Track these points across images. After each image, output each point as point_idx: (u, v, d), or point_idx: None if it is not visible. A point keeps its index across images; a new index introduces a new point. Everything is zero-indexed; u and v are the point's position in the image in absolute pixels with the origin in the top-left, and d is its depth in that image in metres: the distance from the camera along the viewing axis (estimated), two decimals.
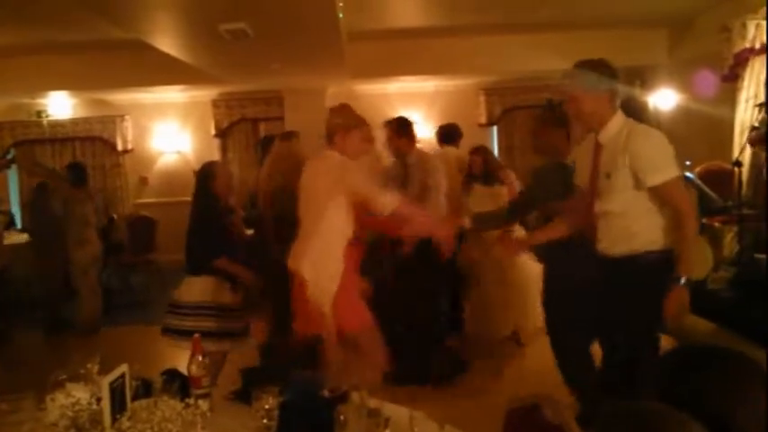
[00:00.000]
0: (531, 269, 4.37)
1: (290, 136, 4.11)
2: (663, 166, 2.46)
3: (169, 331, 3.53)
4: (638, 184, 2.48)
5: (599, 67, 2.56)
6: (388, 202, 2.85)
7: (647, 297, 2.49)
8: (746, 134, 5.28)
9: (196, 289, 3.53)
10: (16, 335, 5.69)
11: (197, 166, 4.02)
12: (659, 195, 2.49)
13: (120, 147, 8.91)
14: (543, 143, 3.45)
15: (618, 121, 2.57)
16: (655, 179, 2.45)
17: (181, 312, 3.52)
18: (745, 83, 5.72)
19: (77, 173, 5.82)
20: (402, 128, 4.32)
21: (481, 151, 4.91)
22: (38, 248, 6.12)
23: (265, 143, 4.69)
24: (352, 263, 3.02)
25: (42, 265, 6.01)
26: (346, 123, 3.03)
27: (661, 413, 1.04)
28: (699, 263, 4.95)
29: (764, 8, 5.22)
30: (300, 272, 2.94)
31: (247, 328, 3.69)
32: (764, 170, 5.05)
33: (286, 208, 3.32)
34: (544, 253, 3.55)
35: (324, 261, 2.93)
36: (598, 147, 2.60)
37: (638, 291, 2.53)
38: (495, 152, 8.16)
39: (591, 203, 2.64)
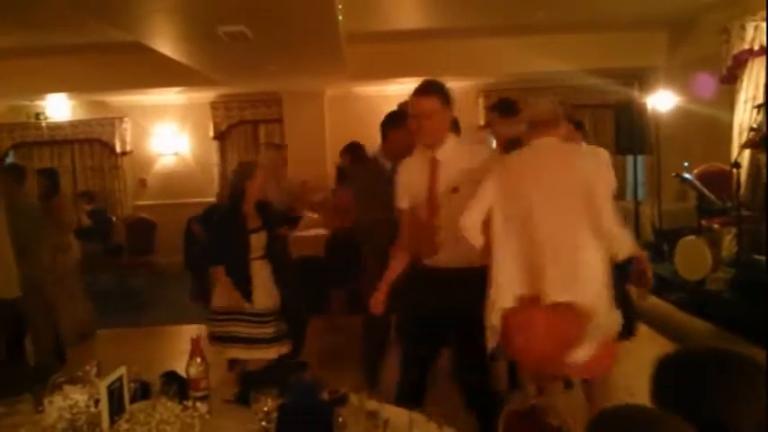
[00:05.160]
0: None
1: None
2: None
3: None
4: None
5: (446, 89, 2.67)
6: None
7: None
8: (745, 136, 5.29)
9: None
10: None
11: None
12: None
13: (118, 149, 8.88)
14: None
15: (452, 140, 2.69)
16: None
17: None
18: (744, 84, 5.73)
19: (53, 179, 5.49)
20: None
21: None
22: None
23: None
24: None
25: None
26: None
27: (655, 417, 1.03)
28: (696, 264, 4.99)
29: (764, 10, 5.23)
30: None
31: None
32: (764, 171, 5.05)
33: None
34: None
35: None
36: (435, 162, 2.64)
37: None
38: None
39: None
